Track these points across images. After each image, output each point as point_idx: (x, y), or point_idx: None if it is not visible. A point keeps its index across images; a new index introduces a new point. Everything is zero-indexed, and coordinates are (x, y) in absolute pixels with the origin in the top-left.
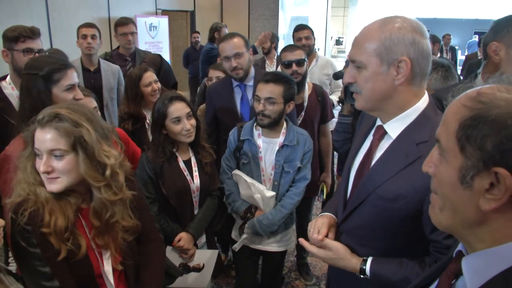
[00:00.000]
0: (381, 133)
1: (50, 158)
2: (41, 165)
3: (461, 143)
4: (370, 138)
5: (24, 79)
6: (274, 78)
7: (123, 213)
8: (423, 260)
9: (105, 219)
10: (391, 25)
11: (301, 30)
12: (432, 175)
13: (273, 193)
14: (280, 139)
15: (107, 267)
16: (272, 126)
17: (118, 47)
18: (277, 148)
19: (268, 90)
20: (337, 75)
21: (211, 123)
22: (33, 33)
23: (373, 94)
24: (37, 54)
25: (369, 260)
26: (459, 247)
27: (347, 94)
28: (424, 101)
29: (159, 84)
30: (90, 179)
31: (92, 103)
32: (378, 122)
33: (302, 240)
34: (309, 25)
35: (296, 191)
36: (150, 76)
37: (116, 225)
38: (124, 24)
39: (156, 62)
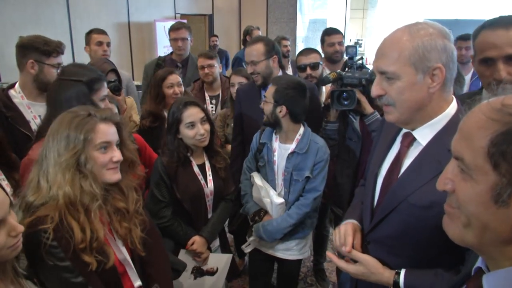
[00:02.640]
0: (410, 140)
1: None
2: (115, 155)
3: (494, 160)
4: (396, 145)
5: (63, 85)
6: (275, 80)
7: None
8: (460, 270)
9: (129, 201)
10: (420, 32)
11: (334, 34)
12: (449, 192)
13: (282, 200)
14: (292, 145)
15: (127, 259)
16: (274, 125)
17: (172, 52)
18: (287, 154)
19: (271, 91)
20: (324, 81)
21: (237, 123)
22: (63, 49)
23: (410, 105)
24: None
25: (403, 272)
26: (479, 263)
27: (334, 100)
28: (453, 107)
29: (182, 89)
30: (128, 162)
31: (114, 109)
32: (405, 129)
33: (329, 254)
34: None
35: (305, 202)
36: (174, 78)
37: (135, 215)
38: (175, 29)
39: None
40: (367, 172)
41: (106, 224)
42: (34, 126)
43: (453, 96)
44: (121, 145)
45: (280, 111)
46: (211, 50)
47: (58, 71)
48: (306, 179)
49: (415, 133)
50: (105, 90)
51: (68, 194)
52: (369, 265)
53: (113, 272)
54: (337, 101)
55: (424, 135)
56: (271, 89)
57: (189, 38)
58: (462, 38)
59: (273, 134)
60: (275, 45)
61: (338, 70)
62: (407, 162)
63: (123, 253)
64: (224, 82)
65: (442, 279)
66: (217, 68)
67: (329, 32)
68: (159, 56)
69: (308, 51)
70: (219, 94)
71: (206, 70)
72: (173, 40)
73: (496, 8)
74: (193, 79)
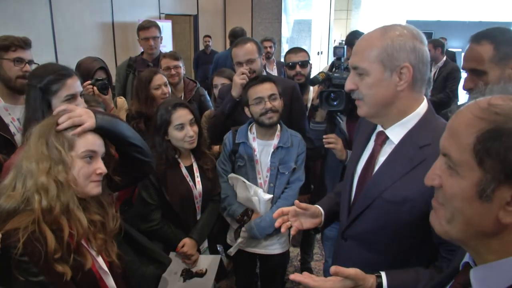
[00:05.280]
0: (383, 139)
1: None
2: (100, 167)
3: (479, 156)
4: (371, 143)
5: (26, 90)
6: (265, 77)
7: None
8: (436, 266)
9: (109, 218)
10: (392, 33)
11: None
12: (437, 187)
13: (271, 196)
14: (275, 141)
15: (103, 267)
16: (277, 122)
17: (142, 52)
18: (272, 150)
19: (267, 87)
20: (313, 81)
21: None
22: (25, 44)
23: (376, 100)
24: (27, 65)
25: (383, 274)
26: (466, 258)
27: (322, 100)
28: (423, 107)
29: (169, 88)
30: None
31: None
32: (379, 128)
33: (304, 280)
34: (312, 28)
35: (291, 192)
36: (160, 78)
37: (108, 225)
38: (145, 28)
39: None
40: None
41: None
42: (13, 129)
43: (424, 97)
44: (105, 158)
45: (284, 104)
46: (204, 50)
47: (24, 66)
48: (292, 170)
49: (388, 132)
50: (72, 89)
51: (44, 202)
52: (357, 277)
53: (91, 278)
54: (326, 102)
55: (396, 133)
56: (272, 85)
57: (159, 36)
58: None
59: (249, 133)
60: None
61: (326, 71)
62: (380, 160)
63: (98, 261)
64: (187, 84)
65: (424, 275)
66: (182, 69)
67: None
68: (130, 57)
69: (297, 49)
70: (181, 96)
71: (173, 71)
72: (143, 40)
73: (478, 10)
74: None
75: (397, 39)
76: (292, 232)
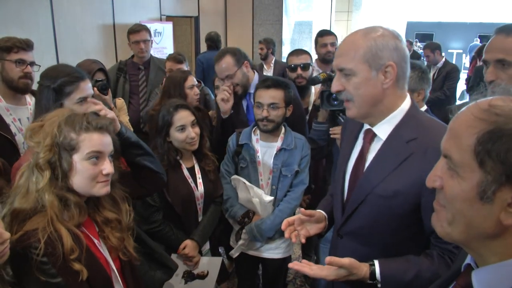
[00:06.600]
0: (371, 136)
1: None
2: (106, 167)
3: (480, 157)
4: (359, 141)
5: (38, 90)
6: (274, 83)
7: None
8: (427, 253)
9: (122, 213)
10: (374, 34)
11: (326, 35)
12: (438, 188)
13: (271, 198)
14: (278, 143)
15: (115, 271)
16: (275, 130)
17: (133, 56)
18: (275, 152)
19: (270, 95)
20: (314, 80)
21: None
22: (27, 45)
23: (366, 100)
24: (28, 66)
25: (376, 262)
26: (468, 260)
27: (323, 100)
28: (407, 102)
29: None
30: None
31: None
32: (366, 126)
33: (299, 268)
34: (313, 30)
35: (294, 195)
36: (192, 80)
37: (124, 221)
38: (136, 32)
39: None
40: (335, 170)
41: (95, 233)
42: (14, 129)
43: (407, 93)
44: (114, 155)
45: (289, 111)
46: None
47: (25, 67)
48: (295, 173)
49: (375, 129)
50: (84, 91)
51: (51, 201)
52: (351, 266)
53: (106, 280)
54: (327, 101)
55: (383, 130)
56: (278, 94)
57: (149, 40)
58: None
59: (252, 134)
60: (241, 51)
61: (328, 71)
62: (370, 157)
63: (111, 264)
64: None
65: (415, 263)
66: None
67: (322, 34)
68: (120, 61)
69: (299, 51)
70: None
71: None
72: (134, 43)
73: (478, 12)
74: (156, 80)
75: (380, 39)
76: (302, 240)
